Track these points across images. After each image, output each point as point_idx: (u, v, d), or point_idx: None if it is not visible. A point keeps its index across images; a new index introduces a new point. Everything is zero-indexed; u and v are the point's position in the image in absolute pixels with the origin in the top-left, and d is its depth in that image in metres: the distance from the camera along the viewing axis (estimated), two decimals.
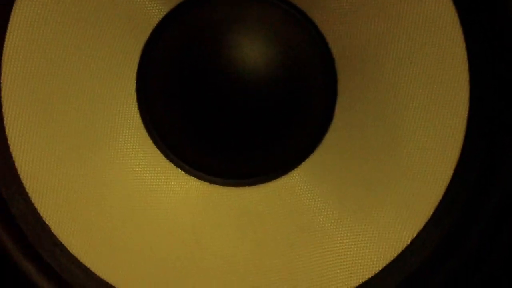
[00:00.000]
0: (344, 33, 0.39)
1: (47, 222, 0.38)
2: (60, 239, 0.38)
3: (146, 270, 0.39)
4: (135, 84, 0.40)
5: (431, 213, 0.38)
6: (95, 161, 0.39)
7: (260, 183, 0.41)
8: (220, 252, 0.39)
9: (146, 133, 0.41)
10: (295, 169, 0.41)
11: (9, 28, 0.37)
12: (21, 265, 0.37)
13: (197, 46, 0.39)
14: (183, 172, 0.41)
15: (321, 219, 0.40)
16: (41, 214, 0.38)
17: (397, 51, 0.37)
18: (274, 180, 0.41)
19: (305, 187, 0.40)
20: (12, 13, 0.37)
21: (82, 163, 0.39)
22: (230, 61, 0.39)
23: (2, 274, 0.38)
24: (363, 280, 0.38)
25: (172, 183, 0.41)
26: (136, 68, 0.40)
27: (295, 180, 0.41)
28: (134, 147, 0.40)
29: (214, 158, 0.41)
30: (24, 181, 0.38)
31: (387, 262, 0.38)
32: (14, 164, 0.38)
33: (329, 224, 0.39)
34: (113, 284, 0.38)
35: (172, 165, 0.41)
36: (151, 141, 0.41)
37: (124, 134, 0.40)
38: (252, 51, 0.39)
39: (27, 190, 0.38)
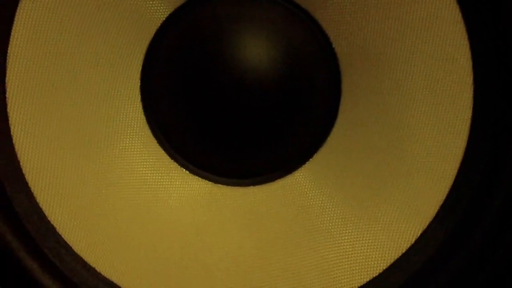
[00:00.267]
0: (348, 33, 0.38)
1: (51, 221, 0.38)
2: (64, 238, 0.38)
3: (150, 269, 0.39)
4: (139, 84, 0.40)
5: (435, 212, 0.38)
6: (100, 160, 0.39)
7: (265, 183, 0.41)
8: (224, 252, 0.39)
9: (151, 133, 0.41)
10: (299, 168, 0.41)
11: (13, 29, 0.37)
12: (26, 263, 0.38)
13: (200, 45, 0.40)
14: (187, 171, 0.41)
15: (325, 218, 0.40)
16: (46, 213, 0.38)
17: (401, 51, 0.37)
18: (278, 180, 0.41)
19: (309, 186, 0.41)
20: (16, 14, 0.37)
21: (86, 162, 0.39)
22: (234, 61, 0.39)
23: (6, 272, 0.38)
24: (367, 280, 0.38)
25: (176, 182, 0.41)
26: (140, 67, 0.40)
27: (299, 180, 0.41)
28: (138, 146, 0.40)
29: (218, 158, 0.41)
30: (28, 180, 0.38)
31: (392, 261, 0.38)
32: (19, 164, 0.38)
33: (333, 224, 0.39)
34: (118, 283, 0.38)
35: (177, 164, 0.41)
36: (156, 140, 0.41)
37: (128, 133, 0.40)
38: (256, 50, 0.39)
39: (31, 189, 0.38)
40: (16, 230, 0.38)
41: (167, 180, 0.41)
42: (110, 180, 0.39)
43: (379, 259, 0.38)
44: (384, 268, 0.38)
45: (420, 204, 0.38)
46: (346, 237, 0.39)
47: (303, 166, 0.41)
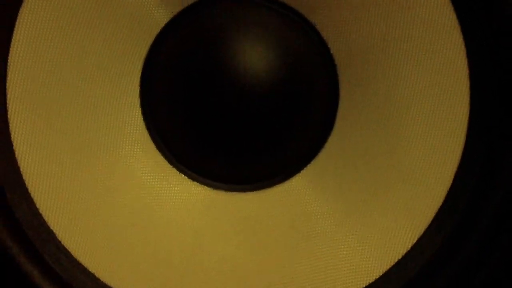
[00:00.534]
0: (346, 39, 0.39)
1: (51, 227, 0.38)
2: (64, 244, 0.38)
3: (149, 275, 0.39)
4: (139, 90, 0.40)
5: (432, 217, 0.38)
6: (99, 166, 0.39)
7: (263, 189, 0.41)
8: (222, 256, 0.40)
9: (150, 139, 0.41)
10: (297, 174, 0.41)
11: (13, 37, 0.37)
12: (26, 269, 0.37)
13: (200, 51, 0.40)
14: (186, 177, 0.41)
15: (322, 224, 0.40)
16: (46, 219, 0.38)
17: (398, 56, 0.38)
18: (276, 186, 0.41)
19: (307, 192, 0.41)
20: (17, 22, 0.37)
21: (86, 168, 0.39)
22: (233, 67, 0.39)
23: (7, 278, 0.38)
24: (364, 285, 0.39)
25: (175, 188, 0.41)
26: (140, 74, 0.40)
27: (297, 186, 0.41)
28: (137, 152, 0.40)
29: (217, 164, 0.41)
30: (28, 186, 0.38)
31: (388, 267, 0.38)
32: (19, 169, 0.38)
33: (330, 229, 0.40)
34: None
35: (175, 170, 0.41)
36: (155, 146, 0.41)
37: (127, 139, 0.40)
38: (255, 56, 0.39)
39: (31, 195, 0.38)
40: (16, 236, 0.38)
41: (166, 186, 0.41)
42: (109, 186, 0.39)
43: (376, 264, 0.39)
44: (381, 273, 0.38)
45: (417, 209, 0.38)
46: (343, 243, 0.39)
47: (301, 172, 0.41)
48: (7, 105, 0.37)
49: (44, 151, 0.38)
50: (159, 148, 0.41)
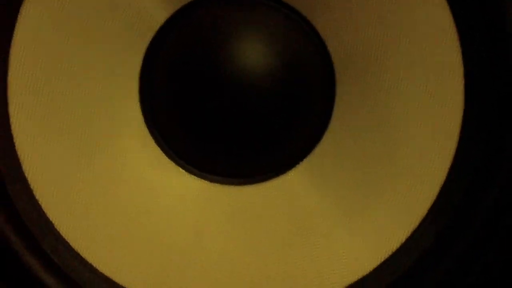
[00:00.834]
0: (344, 39, 0.39)
1: (50, 219, 0.38)
2: (63, 236, 0.38)
3: (147, 265, 0.39)
4: (138, 85, 0.41)
5: (425, 213, 0.38)
6: (98, 159, 0.39)
7: (259, 182, 0.41)
8: (219, 249, 0.40)
9: (148, 133, 0.41)
10: (293, 169, 0.41)
11: (14, 36, 0.37)
12: (25, 260, 0.38)
13: (198, 48, 0.40)
14: (184, 171, 0.41)
15: (317, 218, 0.40)
16: (45, 211, 0.38)
17: (395, 56, 0.38)
18: (272, 179, 0.41)
19: (302, 186, 0.41)
20: (17, 19, 0.37)
21: (85, 161, 0.39)
22: (231, 64, 0.39)
23: (6, 269, 0.38)
24: (357, 278, 0.39)
25: (173, 181, 0.41)
26: (139, 69, 0.40)
27: (293, 180, 0.41)
28: (136, 146, 0.41)
29: (214, 157, 0.41)
30: (28, 178, 0.38)
31: (381, 260, 0.39)
32: (19, 161, 0.38)
33: (325, 223, 0.40)
34: (115, 280, 0.39)
35: (173, 164, 0.41)
36: (153, 140, 0.41)
37: (127, 134, 0.40)
38: (253, 54, 0.40)
39: (31, 186, 0.38)
40: (16, 227, 0.38)
41: (164, 179, 0.41)
42: (108, 179, 0.40)
43: (370, 258, 0.39)
44: (375, 266, 0.39)
45: (411, 205, 0.38)
46: (337, 237, 0.40)
47: (297, 166, 0.41)
48: (7, 98, 0.38)
49: (43, 144, 0.38)
50: (158, 142, 0.41)
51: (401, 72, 0.38)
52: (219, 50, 0.40)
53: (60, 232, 0.38)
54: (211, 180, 0.42)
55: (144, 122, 0.41)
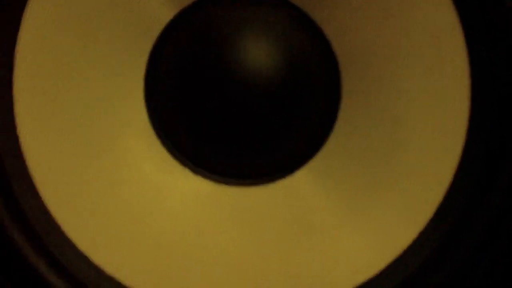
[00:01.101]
0: (349, 37, 0.39)
1: (56, 218, 0.38)
2: (69, 236, 0.38)
3: (153, 266, 0.39)
4: (143, 85, 0.41)
5: (432, 214, 0.38)
6: (104, 159, 0.40)
7: (265, 183, 0.41)
8: (224, 249, 0.40)
9: (154, 133, 0.41)
10: (299, 169, 0.41)
11: (19, 33, 0.37)
12: (31, 260, 0.38)
13: (203, 48, 0.40)
14: (189, 171, 0.41)
15: (323, 219, 0.40)
16: (51, 211, 0.38)
17: (400, 54, 0.38)
18: (278, 180, 0.41)
19: (309, 187, 0.41)
20: (23, 17, 0.37)
21: (91, 161, 0.39)
22: (236, 63, 0.39)
23: (12, 268, 0.38)
24: (363, 280, 0.39)
25: (179, 182, 0.41)
26: (144, 68, 0.40)
27: (299, 181, 0.41)
28: (142, 147, 0.41)
29: (220, 158, 0.41)
30: (34, 179, 0.38)
31: (388, 262, 0.39)
32: (25, 162, 0.38)
33: (331, 225, 0.40)
34: (121, 280, 0.39)
35: (179, 164, 0.41)
36: (159, 141, 0.41)
37: (132, 134, 0.40)
38: (258, 53, 0.39)
39: (37, 187, 0.38)
40: (22, 228, 0.38)
41: (170, 180, 0.41)
42: (114, 179, 0.40)
43: (376, 260, 0.39)
44: (382, 268, 0.39)
45: (417, 206, 0.38)
46: (343, 237, 0.39)
47: (303, 167, 0.41)
48: (13, 99, 0.38)
49: (49, 144, 0.38)
50: (163, 142, 0.41)
51: (408, 72, 0.38)
52: (224, 49, 0.40)
53: (66, 232, 0.38)
54: (217, 181, 0.42)
55: (149, 123, 0.41)
